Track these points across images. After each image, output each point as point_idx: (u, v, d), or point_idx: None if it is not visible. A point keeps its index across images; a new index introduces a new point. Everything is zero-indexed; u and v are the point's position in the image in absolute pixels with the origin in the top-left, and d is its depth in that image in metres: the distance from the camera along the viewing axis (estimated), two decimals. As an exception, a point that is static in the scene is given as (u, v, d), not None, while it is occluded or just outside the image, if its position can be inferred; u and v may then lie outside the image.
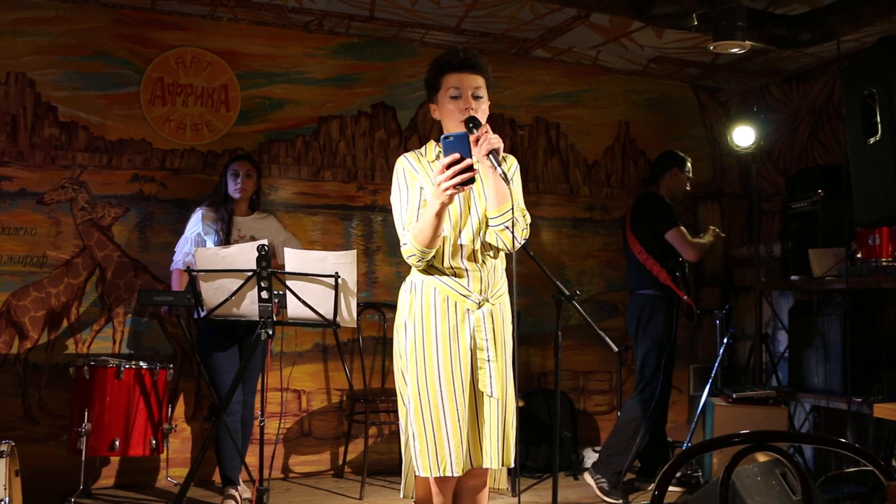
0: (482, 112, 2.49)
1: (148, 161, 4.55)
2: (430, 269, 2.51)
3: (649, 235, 4.44)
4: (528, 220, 2.53)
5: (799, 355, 4.64)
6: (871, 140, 3.38)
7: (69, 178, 4.39)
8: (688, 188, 4.64)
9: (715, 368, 4.65)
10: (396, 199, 2.54)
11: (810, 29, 4.06)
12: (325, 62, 4.93)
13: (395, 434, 4.82)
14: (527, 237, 2.53)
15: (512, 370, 2.59)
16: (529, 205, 2.57)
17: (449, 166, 2.23)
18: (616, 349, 3.84)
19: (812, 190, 4.69)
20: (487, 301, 2.52)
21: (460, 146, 2.24)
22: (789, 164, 5.46)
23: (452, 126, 2.48)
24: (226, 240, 4.04)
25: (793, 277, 4.75)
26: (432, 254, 2.44)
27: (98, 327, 4.41)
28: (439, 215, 2.33)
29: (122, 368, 3.81)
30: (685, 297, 4.41)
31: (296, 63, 4.87)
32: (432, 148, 2.60)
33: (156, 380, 3.92)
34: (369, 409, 4.53)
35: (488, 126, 2.40)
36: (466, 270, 2.49)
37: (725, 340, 4.74)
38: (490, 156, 2.31)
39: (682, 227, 4.39)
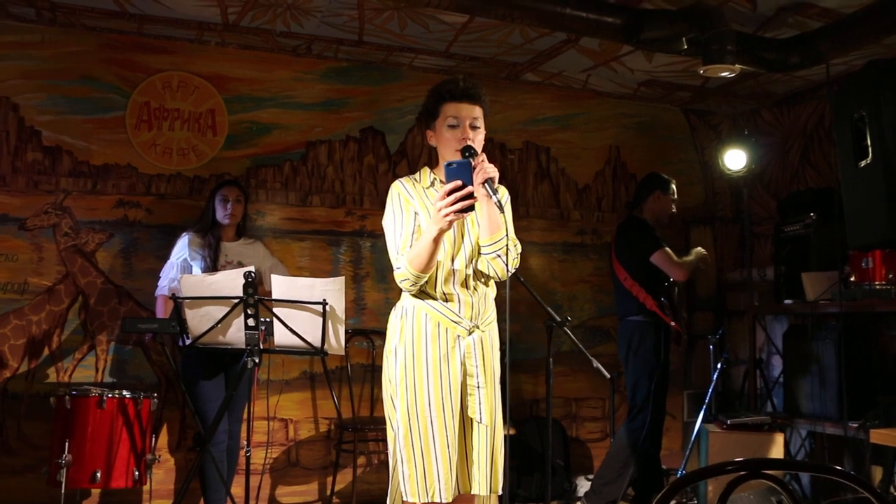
0: (479, 142, 2.55)
1: (133, 186, 4.54)
2: (422, 294, 2.53)
3: (634, 261, 4.44)
4: (519, 250, 2.58)
5: (794, 380, 4.63)
6: (862, 163, 3.42)
7: (52, 204, 4.38)
8: (673, 210, 4.63)
9: (709, 394, 4.64)
10: (390, 223, 2.57)
11: (799, 52, 4.11)
12: (313, 86, 4.95)
13: (385, 463, 4.78)
14: (517, 266, 2.58)
15: (501, 396, 2.61)
16: (520, 229, 2.61)
17: (450, 192, 2.28)
18: (608, 375, 3.83)
19: (804, 213, 4.71)
20: (478, 328, 2.55)
21: (462, 173, 2.30)
22: (781, 187, 5.48)
23: (449, 154, 2.53)
24: (213, 266, 4.02)
25: (786, 301, 4.76)
26: (426, 279, 2.48)
27: (80, 355, 4.38)
28: (437, 241, 2.37)
29: (105, 398, 3.76)
30: (672, 323, 4.40)
31: (284, 87, 4.88)
32: (426, 174, 2.64)
33: (139, 409, 3.87)
34: (358, 438, 4.49)
35: (484, 156, 2.46)
36: (458, 297, 2.52)
37: (719, 366, 4.74)
38: (485, 185, 2.37)
39: (667, 249, 4.39)
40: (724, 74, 4.02)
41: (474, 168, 2.36)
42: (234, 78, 4.78)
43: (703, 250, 4.59)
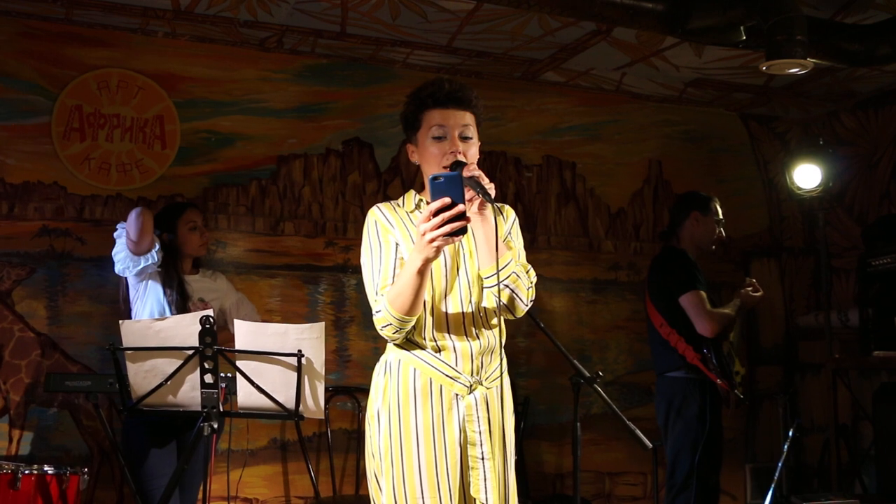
0: (472, 156, 2.54)
1: (61, 210, 4.53)
2: (409, 344, 2.53)
3: (669, 303, 4.39)
4: (534, 278, 2.56)
5: (890, 453, 4.60)
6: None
7: (-43, 232, 4.38)
8: (720, 235, 4.55)
9: (778, 469, 4.62)
10: (367, 257, 2.57)
11: (891, 41, 4.11)
12: (285, 88, 4.98)
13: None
14: (533, 298, 2.55)
15: (513, 471, 2.58)
16: (539, 264, 2.61)
17: (437, 212, 2.25)
18: (650, 445, 3.79)
19: (897, 242, 4.72)
20: (481, 384, 2.52)
21: (452, 189, 2.26)
22: (867, 210, 5.50)
23: (433, 172, 2.50)
24: (183, 307, 3.99)
25: (876, 353, 4.75)
26: (412, 323, 2.46)
27: (-10, 422, 4.35)
28: (422, 273, 2.34)
29: (20, 475, 3.70)
30: (718, 381, 4.34)
31: (249, 89, 4.91)
32: (411, 198, 2.64)
33: (64, 489, 3.83)
34: (339, 524, 4.47)
35: (476, 166, 2.44)
36: (454, 346, 2.51)
37: (791, 434, 4.71)
38: (470, 181, 2.34)
39: (702, 292, 4.32)
40: (792, 71, 4.02)
41: (477, 179, 2.35)
42: (187, 77, 4.80)
43: (750, 286, 4.49)
